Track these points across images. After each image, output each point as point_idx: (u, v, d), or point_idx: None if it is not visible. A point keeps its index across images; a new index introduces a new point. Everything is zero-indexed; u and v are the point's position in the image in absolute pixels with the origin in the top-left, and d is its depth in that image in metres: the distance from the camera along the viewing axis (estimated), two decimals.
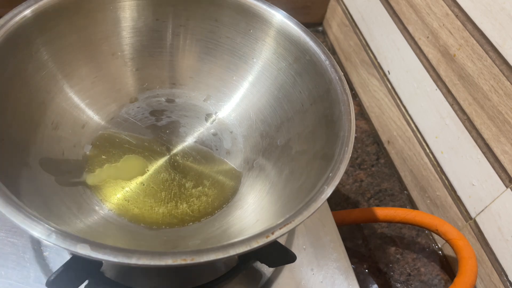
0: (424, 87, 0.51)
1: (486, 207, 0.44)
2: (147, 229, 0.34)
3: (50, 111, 0.35)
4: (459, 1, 0.44)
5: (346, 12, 0.68)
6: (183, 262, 0.22)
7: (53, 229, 0.23)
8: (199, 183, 0.37)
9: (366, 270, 0.49)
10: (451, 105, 0.47)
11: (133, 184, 0.36)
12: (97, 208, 0.34)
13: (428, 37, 0.49)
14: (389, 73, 0.58)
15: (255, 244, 0.24)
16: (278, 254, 0.34)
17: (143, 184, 0.36)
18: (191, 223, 0.35)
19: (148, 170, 0.37)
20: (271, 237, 0.24)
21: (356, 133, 0.62)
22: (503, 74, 0.40)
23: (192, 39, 0.41)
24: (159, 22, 0.40)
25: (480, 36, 0.42)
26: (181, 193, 0.36)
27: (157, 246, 0.32)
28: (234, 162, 0.39)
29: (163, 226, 0.34)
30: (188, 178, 0.37)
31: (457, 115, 0.46)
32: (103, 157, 0.37)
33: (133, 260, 0.22)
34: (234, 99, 0.42)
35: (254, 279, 0.37)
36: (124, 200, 0.35)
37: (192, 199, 0.36)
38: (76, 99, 0.38)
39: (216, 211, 0.36)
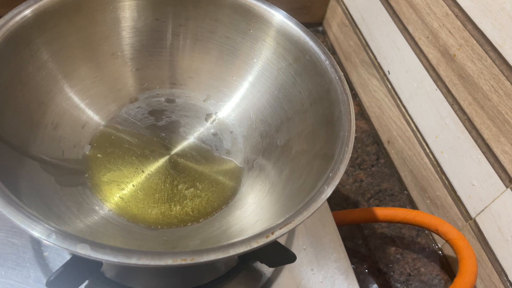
0: (424, 87, 0.51)
1: (486, 207, 0.44)
2: (147, 229, 0.34)
3: (50, 111, 0.35)
4: (459, 1, 0.44)
5: (346, 12, 0.68)
6: (183, 262, 0.22)
7: (53, 229, 0.23)
8: (198, 183, 0.37)
9: (366, 270, 0.49)
10: (451, 105, 0.47)
11: (133, 185, 0.36)
12: (97, 208, 0.34)
13: (428, 37, 0.49)
14: (389, 73, 0.58)
15: (255, 244, 0.24)
16: (278, 254, 0.34)
17: (142, 185, 0.36)
18: (190, 224, 0.35)
19: (147, 171, 0.37)
20: (271, 237, 0.24)
21: (356, 133, 0.62)
22: (503, 74, 0.40)
23: (192, 39, 0.41)
24: (159, 22, 0.40)
25: (480, 36, 0.42)
26: (174, 194, 0.36)
27: (157, 246, 0.32)
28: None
29: (159, 227, 0.34)
30: (188, 179, 0.37)
31: (457, 115, 0.46)
32: (103, 157, 0.37)
33: (133, 260, 0.22)
34: (234, 99, 0.42)
35: (254, 279, 0.37)
36: (123, 200, 0.35)
37: (186, 201, 0.36)
38: (76, 99, 0.38)
39: (216, 211, 0.36)
